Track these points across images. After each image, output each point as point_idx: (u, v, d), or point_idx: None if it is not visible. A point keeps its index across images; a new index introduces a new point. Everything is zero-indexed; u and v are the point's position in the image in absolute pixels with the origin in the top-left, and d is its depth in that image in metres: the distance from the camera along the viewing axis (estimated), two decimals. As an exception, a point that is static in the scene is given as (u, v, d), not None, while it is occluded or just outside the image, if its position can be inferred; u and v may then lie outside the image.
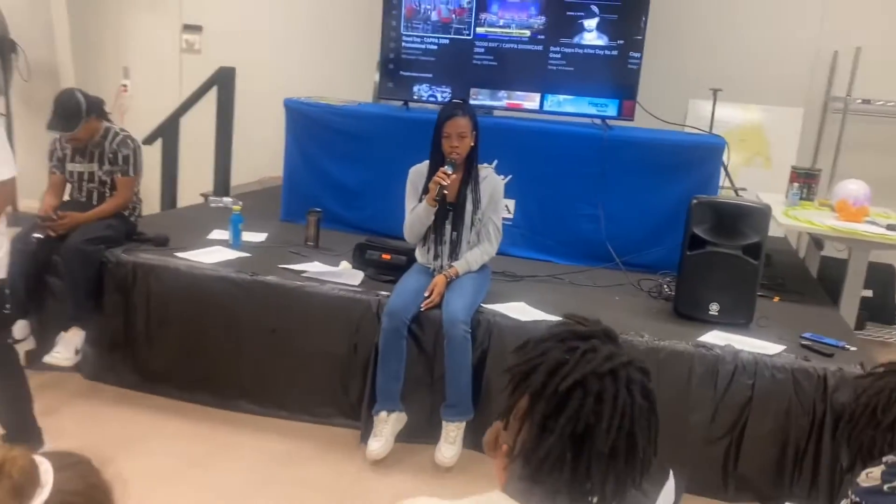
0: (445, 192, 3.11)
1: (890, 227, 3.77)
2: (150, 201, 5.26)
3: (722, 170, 4.22)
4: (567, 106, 4.27)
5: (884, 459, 1.19)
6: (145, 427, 3.24)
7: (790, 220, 3.93)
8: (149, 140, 5.13)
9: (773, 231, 3.62)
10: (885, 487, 1.16)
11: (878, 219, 3.91)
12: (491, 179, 3.30)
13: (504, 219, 4.17)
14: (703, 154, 4.03)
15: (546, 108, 4.30)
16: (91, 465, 0.98)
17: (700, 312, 3.27)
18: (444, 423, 3.09)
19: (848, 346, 3.07)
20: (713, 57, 5.11)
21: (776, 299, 3.71)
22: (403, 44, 4.37)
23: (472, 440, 3.07)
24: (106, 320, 3.49)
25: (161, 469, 2.90)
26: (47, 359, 3.33)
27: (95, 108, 3.59)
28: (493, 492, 1.08)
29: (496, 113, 4.41)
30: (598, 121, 4.21)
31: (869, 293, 4.41)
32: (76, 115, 3.45)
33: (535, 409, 1.04)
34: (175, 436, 3.19)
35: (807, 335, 3.14)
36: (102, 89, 6.14)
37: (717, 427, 2.93)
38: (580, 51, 4.16)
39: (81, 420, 3.24)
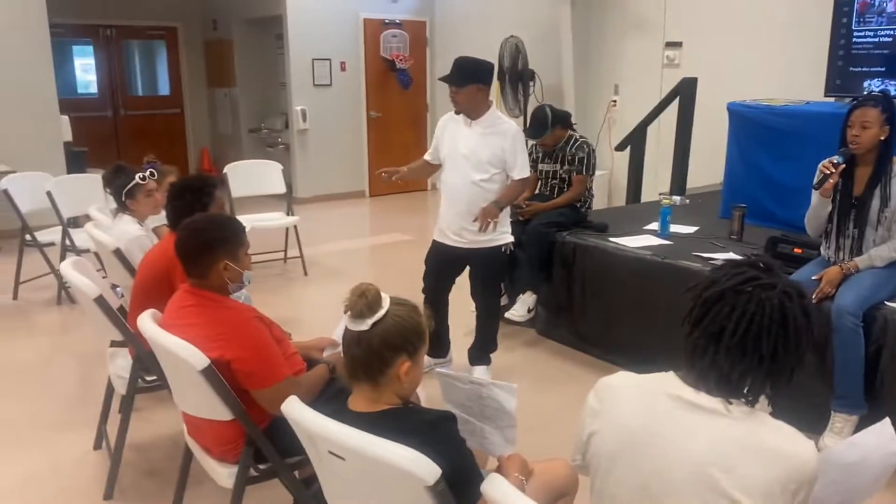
0: (830, 181, 3.12)
1: None
2: (619, 196, 6.08)
3: None
4: None
5: None
6: (569, 374, 4.03)
7: None
8: (620, 147, 5.95)
9: None
10: None
11: None
12: (906, 175, 3.15)
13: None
14: None
15: None
16: (416, 308, 1.69)
17: None
18: (832, 412, 3.13)
19: None
20: None
21: None
22: (854, 39, 4.27)
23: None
24: (553, 288, 4.38)
25: (561, 404, 3.62)
26: (507, 314, 4.36)
27: (561, 119, 4.51)
28: (669, 372, 1.50)
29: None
30: None
31: None
32: (544, 125, 4.43)
33: (693, 313, 1.45)
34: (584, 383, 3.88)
35: None
36: (596, 106, 7.25)
37: None
38: None
39: (529, 362, 4.20)
